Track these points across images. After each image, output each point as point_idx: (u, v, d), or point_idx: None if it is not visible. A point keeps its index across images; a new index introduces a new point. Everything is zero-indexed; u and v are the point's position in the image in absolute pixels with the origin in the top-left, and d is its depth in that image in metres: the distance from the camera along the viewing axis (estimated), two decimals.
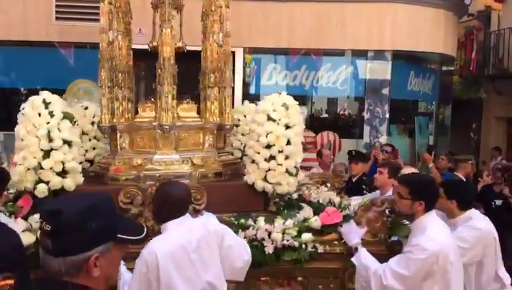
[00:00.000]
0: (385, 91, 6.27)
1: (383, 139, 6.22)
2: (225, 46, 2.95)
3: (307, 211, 2.59)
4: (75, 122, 2.61)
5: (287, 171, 2.58)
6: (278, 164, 2.56)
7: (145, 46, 5.97)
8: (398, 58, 6.33)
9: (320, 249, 2.43)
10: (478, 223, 2.67)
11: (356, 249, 2.39)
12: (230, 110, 2.99)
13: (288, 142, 2.56)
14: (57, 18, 5.84)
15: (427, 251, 2.17)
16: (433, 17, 6.34)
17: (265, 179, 2.59)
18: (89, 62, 6.12)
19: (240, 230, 2.38)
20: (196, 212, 2.37)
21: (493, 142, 9.38)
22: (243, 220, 2.45)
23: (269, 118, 2.57)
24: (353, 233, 2.44)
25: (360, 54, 6.28)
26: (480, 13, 9.41)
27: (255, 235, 2.39)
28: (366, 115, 6.34)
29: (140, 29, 5.81)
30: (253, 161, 2.65)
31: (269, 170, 2.57)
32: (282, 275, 2.47)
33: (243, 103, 6.19)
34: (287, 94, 6.74)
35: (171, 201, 2.04)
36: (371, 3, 6.03)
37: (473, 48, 9.23)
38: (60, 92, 3.92)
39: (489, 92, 9.79)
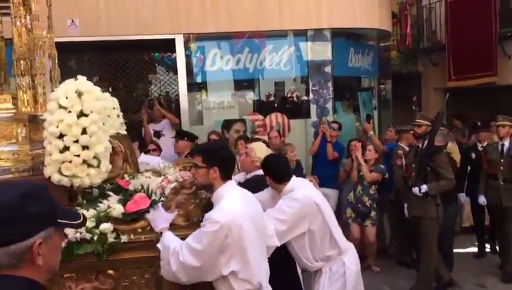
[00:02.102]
0: (327, 69, 6.39)
1: (330, 116, 6.36)
2: (35, 31, 2.79)
3: (111, 200, 2.45)
4: None
5: (86, 162, 2.39)
6: (75, 155, 2.35)
7: (78, 38, 5.78)
8: (337, 36, 6.46)
9: (124, 239, 2.30)
10: (296, 194, 2.77)
11: (161, 234, 2.30)
12: (45, 100, 2.79)
13: (84, 131, 2.37)
14: None
15: (218, 223, 2.13)
16: None
17: (60, 172, 2.40)
18: None
19: None
20: None
21: (434, 112, 9.87)
22: None
23: (60, 106, 2.38)
24: (159, 219, 2.33)
25: (301, 33, 6.34)
26: None
27: None
28: (311, 95, 6.44)
29: (72, 21, 5.57)
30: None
31: (65, 161, 2.37)
32: (89, 270, 2.33)
33: (188, 91, 6.18)
34: (234, 80, 6.77)
35: None
36: None
37: (407, 22, 9.63)
38: None
39: (426, 64, 10.27)
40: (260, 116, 6.57)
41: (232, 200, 2.27)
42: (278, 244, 2.59)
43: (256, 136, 6.40)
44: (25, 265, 1.16)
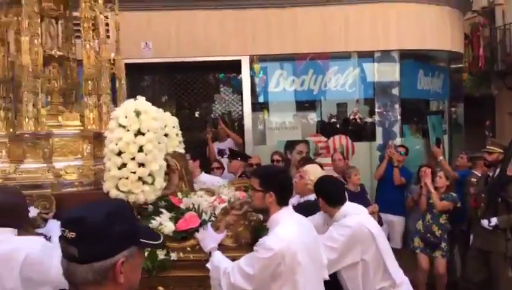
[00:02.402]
0: (395, 91, 6.20)
1: (397, 140, 6.13)
2: (102, 54, 2.95)
3: (163, 217, 2.46)
4: None
5: (141, 179, 2.45)
6: (131, 172, 2.43)
7: (151, 60, 6.08)
8: (406, 57, 6.27)
9: (174, 256, 2.31)
10: (349, 221, 2.62)
11: (210, 254, 2.28)
12: (108, 118, 2.89)
13: (141, 149, 2.44)
14: None
15: (272, 250, 2.08)
16: (437, 15, 6.30)
17: (117, 187, 2.48)
18: None
19: None
20: (44, 221, 2.36)
21: (508, 139, 9.21)
22: None
23: (120, 125, 2.47)
24: (208, 238, 2.32)
25: (367, 55, 6.23)
26: (484, 9, 9.35)
27: None
28: (377, 117, 6.27)
29: (146, 43, 5.87)
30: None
31: (122, 178, 2.45)
32: (140, 286, 2.32)
33: (253, 111, 6.24)
34: (296, 100, 6.76)
35: None
36: (373, 4, 6.01)
37: (479, 44, 9.16)
38: None
39: (500, 88, 9.67)
40: (323, 138, 6.46)
41: (287, 228, 2.20)
42: (327, 277, 2.44)
43: (319, 158, 6.30)
44: (108, 282, 1.18)
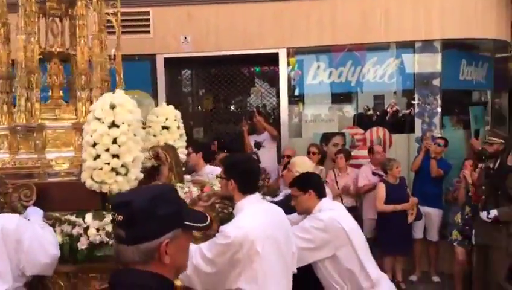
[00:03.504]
0: (436, 82, 6.04)
1: (436, 132, 5.99)
2: (94, 49, 3.03)
3: None
4: None
5: (114, 170, 2.52)
6: (105, 163, 2.51)
7: (190, 54, 6.18)
8: (448, 47, 6.08)
9: None
10: (322, 215, 2.62)
11: None
12: None
13: (115, 141, 2.51)
14: None
15: (229, 238, 2.11)
16: (483, 1, 6.04)
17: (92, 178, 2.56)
18: (138, 73, 6.35)
19: (70, 226, 2.43)
20: (24, 208, 2.48)
21: None
22: (70, 217, 2.47)
23: (95, 118, 2.56)
24: None
25: (407, 45, 6.09)
26: None
27: (72, 231, 2.40)
28: (416, 109, 6.14)
29: (185, 38, 5.98)
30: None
31: (96, 168, 2.53)
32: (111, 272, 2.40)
33: (289, 104, 6.25)
34: (332, 92, 6.69)
35: None
36: None
37: None
38: None
39: None
40: (360, 130, 6.40)
41: (248, 216, 2.23)
42: (295, 270, 2.43)
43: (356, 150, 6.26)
44: (154, 262, 1.25)
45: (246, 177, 2.36)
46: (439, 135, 5.89)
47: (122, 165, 2.57)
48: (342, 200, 5.59)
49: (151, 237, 1.23)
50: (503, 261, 4.07)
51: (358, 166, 5.86)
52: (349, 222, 2.72)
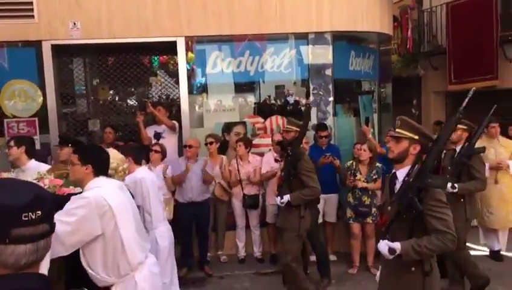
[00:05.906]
0: (328, 72, 6.40)
1: (330, 119, 6.37)
2: None
3: None
4: None
5: None
6: None
7: (81, 41, 5.77)
8: (338, 39, 6.47)
9: None
10: (88, 193, 2.52)
11: None
12: None
13: None
14: None
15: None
16: None
17: None
18: (23, 61, 5.82)
19: None
20: None
21: (433, 116, 9.88)
22: None
23: None
24: None
25: (302, 37, 6.36)
26: None
27: None
28: (311, 98, 6.45)
29: (74, 23, 5.57)
30: None
31: None
32: None
33: (189, 93, 6.19)
34: (234, 82, 6.75)
35: None
36: None
37: (408, 26, 9.64)
38: None
39: (426, 68, 10.28)
40: (260, 119, 6.58)
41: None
42: (65, 253, 2.35)
43: (257, 138, 6.43)
44: None
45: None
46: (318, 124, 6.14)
47: None
48: (242, 188, 5.72)
49: None
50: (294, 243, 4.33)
51: (262, 155, 6.02)
52: (117, 199, 2.59)
